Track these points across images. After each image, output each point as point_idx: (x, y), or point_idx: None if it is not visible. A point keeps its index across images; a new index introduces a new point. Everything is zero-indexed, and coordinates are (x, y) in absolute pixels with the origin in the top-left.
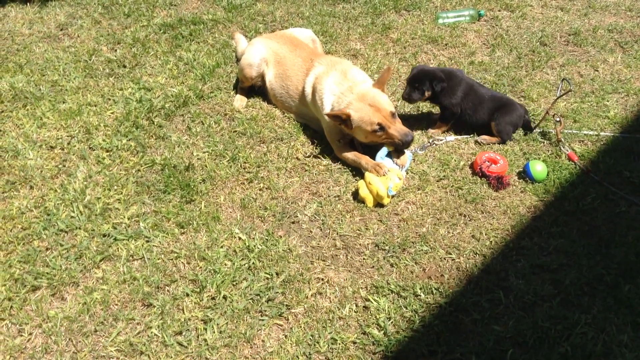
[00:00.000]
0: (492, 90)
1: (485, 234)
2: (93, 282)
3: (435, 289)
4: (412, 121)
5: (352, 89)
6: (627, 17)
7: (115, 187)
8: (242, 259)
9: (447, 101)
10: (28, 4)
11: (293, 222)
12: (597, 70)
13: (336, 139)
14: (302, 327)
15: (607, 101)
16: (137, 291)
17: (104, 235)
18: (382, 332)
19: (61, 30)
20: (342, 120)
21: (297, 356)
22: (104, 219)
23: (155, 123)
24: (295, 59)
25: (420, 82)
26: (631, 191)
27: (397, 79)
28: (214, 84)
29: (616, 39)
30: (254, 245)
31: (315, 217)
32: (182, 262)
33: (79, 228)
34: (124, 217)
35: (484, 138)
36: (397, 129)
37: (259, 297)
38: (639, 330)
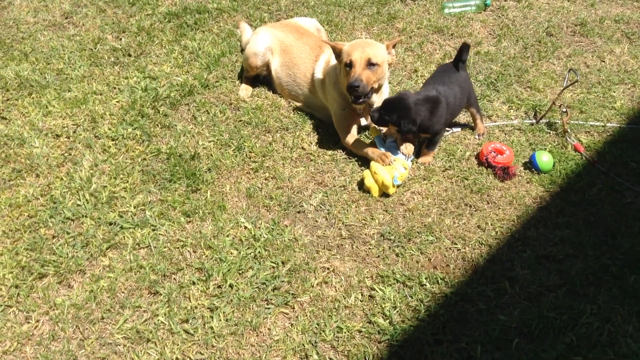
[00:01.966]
0: (448, 73)
1: (491, 225)
2: (100, 270)
3: (440, 278)
4: None
5: None
6: (634, 8)
7: (121, 176)
8: (248, 248)
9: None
10: None
11: (299, 212)
12: (604, 61)
13: (344, 123)
14: (308, 316)
15: (614, 92)
16: (144, 279)
17: (110, 224)
18: (388, 321)
19: (66, 18)
20: (337, 53)
21: (303, 344)
22: (110, 207)
23: (161, 112)
24: (302, 46)
25: (389, 113)
26: (637, 182)
27: (403, 69)
28: (219, 73)
29: (623, 30)
30: (260, 235)
31: (320, 207)
32: (188, 251)
33: (85, 216)
34: (130, 205)
35: (480, 132)
36: (357, 73)
37: (265, 285)
38: None
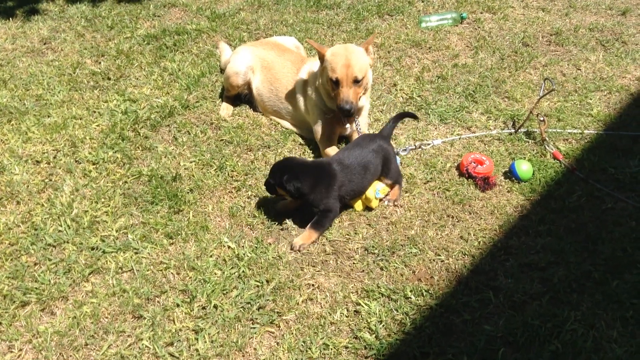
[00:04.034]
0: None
1: (474, 235)
2: (82, 296)
3: (425, 290)
4: (398, 126)
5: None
6: (607, 16)
7: (103, 200)
8: (232, 268)
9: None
10: (11, 19)
11: (282, 229)
12: (580, 69)
13: (325, 134)
14: (294, 334)
15: (590, 99)
16: (127, 303)
17: (93, 249)
18: (374, 335)
19: (44, 44)
20: (320, 57)
21: None
22: (91, 232)
23: (141, 134)
24: (284, 62)
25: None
26: (616, 187)
27: (382, 83)
28: (199, 94)
29: (597, 38)
30: (244, 254)
31: (304, 223)
32: (172, 273)
33: (67, 242)
34: (112, 229)
35: (392, 198)
36: (346, 93)
37: (249, 305)
38: (628, 325)
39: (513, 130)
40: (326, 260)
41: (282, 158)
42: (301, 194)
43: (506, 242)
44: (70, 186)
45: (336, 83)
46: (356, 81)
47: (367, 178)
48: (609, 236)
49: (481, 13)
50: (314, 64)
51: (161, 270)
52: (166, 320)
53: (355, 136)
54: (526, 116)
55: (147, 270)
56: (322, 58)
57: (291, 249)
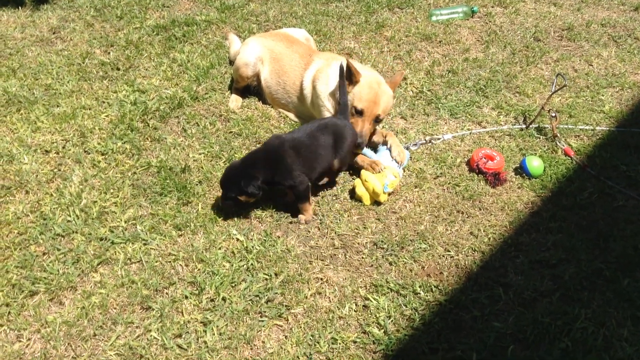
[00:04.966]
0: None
1: (484, 231)
2: (91, 286)
3: (434, 286)
4: (408, 120)
5: (371, 70)
6: (619, 11)
7: (112, 191)
8: (241, 260)
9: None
10: (20, 8)
11: (291, 222)
12: (592, 65)
13: None
14: (302, 328)
15: (602, 95)
16: (136, 294)
17: (101, 239)
18: (383, 330)
19: (54, 33)
20: (350, 78)
21: (298, 357)
22: (100, 222)
23: (150, 125)
24: (292, 54)
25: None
26: (628, 185)
27: (392, 77)
28: (208, 85)
29: (610, 33)
30: (252, 246)
31: (312, 217)
32: (180, 265)
33: (76, 232)
34: (121, 220)
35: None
36: (362, 128)
37: (258, 298)
38: (639, 324)
39: (524, 126)
40: (335, 255)
41: (223, 171)
42: (262, 189)
43: (516, 239)
44: (79, 176)
45: (358, 112)
46: (377, 120)
47: (322, 137)
48: (620, 234)
49: (492, 7)
50: (328, 65)
51: (170, 261)
52: (174, 312)
53: None
54: (537, 112)
55: (156, 262)
56: (353, 81)
57: (305, 223)
